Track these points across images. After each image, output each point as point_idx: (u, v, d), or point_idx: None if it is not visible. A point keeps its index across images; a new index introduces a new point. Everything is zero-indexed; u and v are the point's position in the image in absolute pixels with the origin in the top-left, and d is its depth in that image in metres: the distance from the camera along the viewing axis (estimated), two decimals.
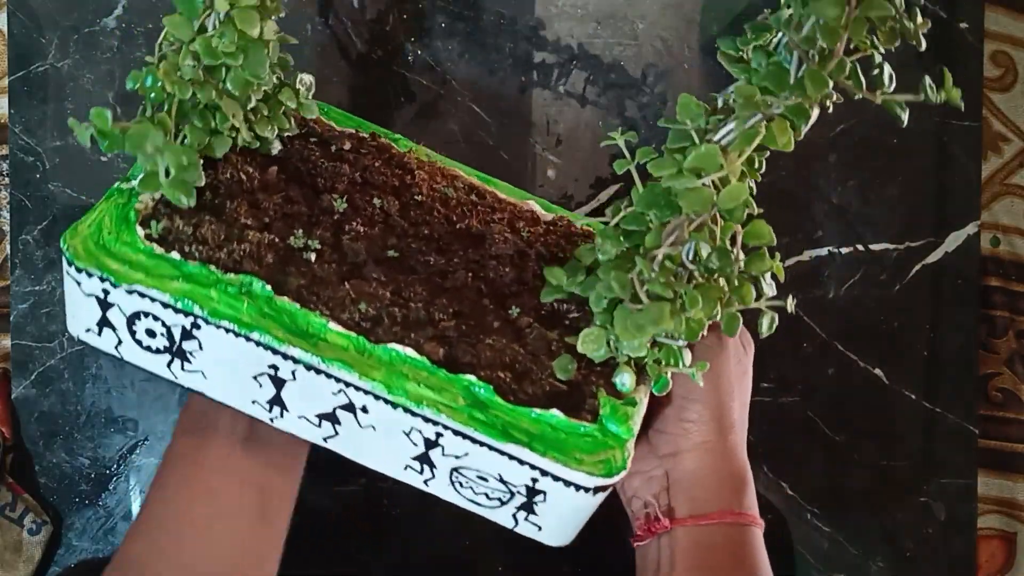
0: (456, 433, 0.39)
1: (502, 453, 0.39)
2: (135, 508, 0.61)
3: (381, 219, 0.46)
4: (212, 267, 0.40)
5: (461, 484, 0.42)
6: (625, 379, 0.41)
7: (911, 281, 0.66)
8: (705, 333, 0.40)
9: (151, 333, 0.43)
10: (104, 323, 0.43)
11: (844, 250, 0.65)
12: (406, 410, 0.39)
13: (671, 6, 0.63)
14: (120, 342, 0.44)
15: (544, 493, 0.40)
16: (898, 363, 0.66)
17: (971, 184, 0.66)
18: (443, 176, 0.51)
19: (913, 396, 0.66)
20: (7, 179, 0.63)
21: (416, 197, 0.48)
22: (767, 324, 0.42)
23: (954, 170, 0.66)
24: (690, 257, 0.39)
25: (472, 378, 0.39)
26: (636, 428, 0.41)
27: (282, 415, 0.42)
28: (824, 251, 0.65)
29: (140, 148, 0.37)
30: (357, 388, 0.39)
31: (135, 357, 0.44)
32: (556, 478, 0.39)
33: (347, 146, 0.50)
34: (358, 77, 0.62)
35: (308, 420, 0.42)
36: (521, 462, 0.39)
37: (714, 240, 0.38)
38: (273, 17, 0.42)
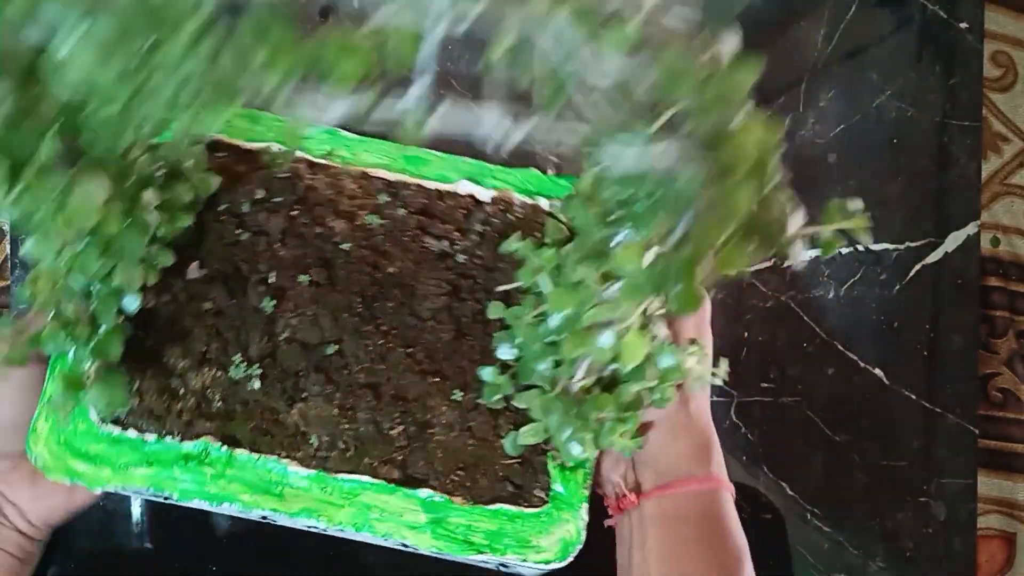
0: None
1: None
2: (135, 508, 0.61)
3: (310, 299, 0.45)
4: (169, 438, 0.42)
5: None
6: (574, 449, 0.42)
7: (911, 281, 0.66)
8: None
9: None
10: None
11: (844, 250, 0.65)
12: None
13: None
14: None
15: (517, 566, 0.44)
16: (898, 363, 0.66)
17: (971, 184, 0.66)
18: (364, 192, 0.48)
19: (913, 396, 0.66)
20: None
21: (342, 250, 0.46)
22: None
23: (954, 170, 0.66)
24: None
25: (428, 492, 0.42)
26: (587, 489, 0.44)
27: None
28: None
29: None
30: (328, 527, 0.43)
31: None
32: (521, 562, 0.43)
33: (258, 195, 0.47)
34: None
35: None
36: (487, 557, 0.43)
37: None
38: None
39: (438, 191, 0.49)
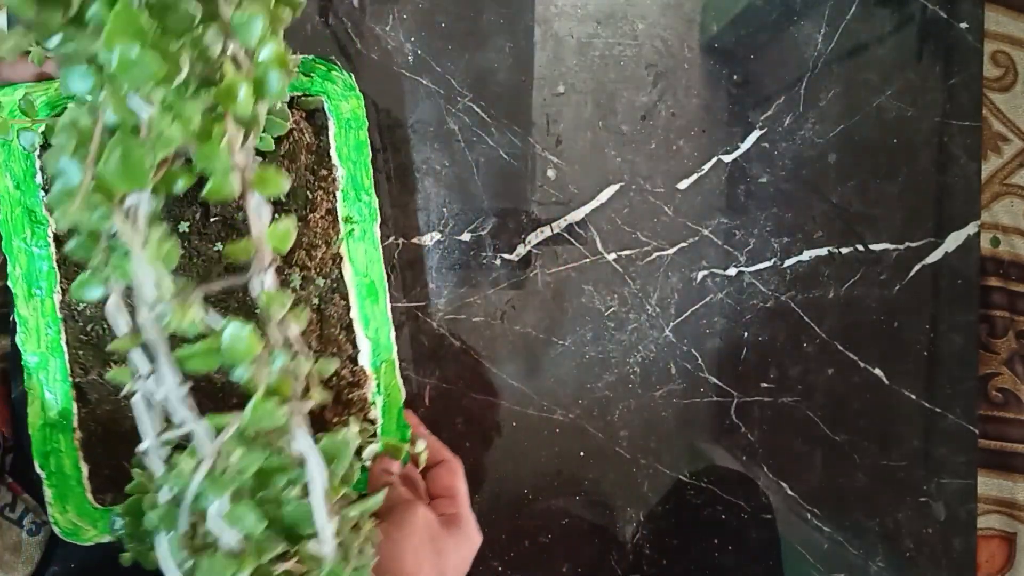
0: None
1: None
2: None
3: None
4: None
5: None
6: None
7: (911, 281, 0.66)
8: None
9: None
10: None
11: (844, 250, 0.65)
12: None
13: (671, 6, 0.63)
14: None
15: None
16: (898, 363, 0.66)
17: (971, 184, 0.66)
18: None
19: (913, 396, 0.66)
20: None
21: None
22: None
23: (954, 170, 0.66)
24: None
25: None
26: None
27: None
28: (824, 251, 0.65)
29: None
30: None
31: None
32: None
33: None
34: (358, 77, 0.62)
35: None
36: None
37: None
38: None
39: None
